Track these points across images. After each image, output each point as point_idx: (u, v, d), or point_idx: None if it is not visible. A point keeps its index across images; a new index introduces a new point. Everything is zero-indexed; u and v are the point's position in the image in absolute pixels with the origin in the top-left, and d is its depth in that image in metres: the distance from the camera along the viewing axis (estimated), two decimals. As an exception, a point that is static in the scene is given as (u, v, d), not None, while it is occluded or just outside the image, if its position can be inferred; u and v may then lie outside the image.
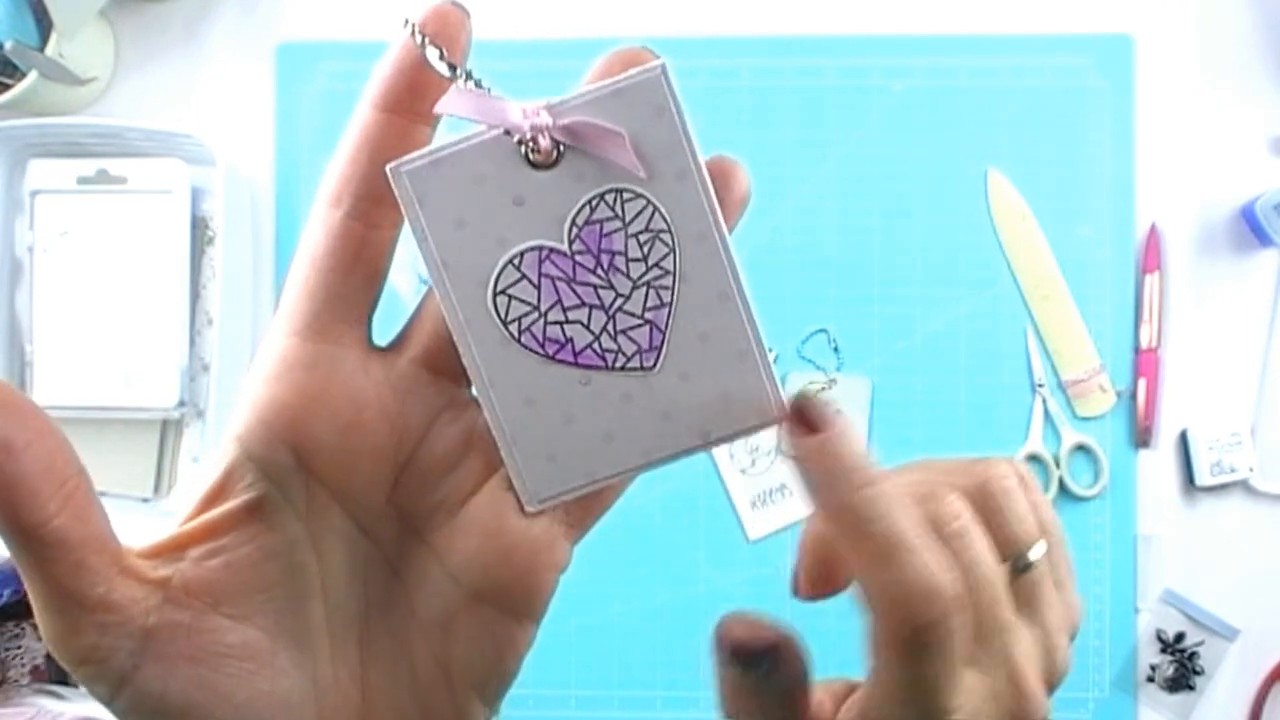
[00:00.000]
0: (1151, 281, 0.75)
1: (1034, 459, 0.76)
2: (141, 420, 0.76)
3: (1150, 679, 0.75)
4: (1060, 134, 0.77)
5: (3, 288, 0.77)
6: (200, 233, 0.77)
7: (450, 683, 0.25)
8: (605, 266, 0.23)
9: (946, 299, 0.76)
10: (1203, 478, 0.74)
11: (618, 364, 0.24)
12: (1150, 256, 0.76)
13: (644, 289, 0.23)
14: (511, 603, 0.25)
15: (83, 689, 0.73)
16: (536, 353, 0.24)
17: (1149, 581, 0.75)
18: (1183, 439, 0.76)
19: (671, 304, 0.23)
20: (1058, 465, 0.75)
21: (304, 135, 0.78)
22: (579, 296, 0.23)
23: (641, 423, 0.24)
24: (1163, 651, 0.75)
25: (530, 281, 0.23)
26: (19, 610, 0.77)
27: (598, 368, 0.24)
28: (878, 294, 0.77)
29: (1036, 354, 0.76)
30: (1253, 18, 0.77)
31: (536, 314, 0.23)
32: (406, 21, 0.23)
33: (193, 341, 0.77)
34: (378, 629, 0.25)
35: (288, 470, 0.23)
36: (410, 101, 0.23)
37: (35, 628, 0.77)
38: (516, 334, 0.23)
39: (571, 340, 0.23)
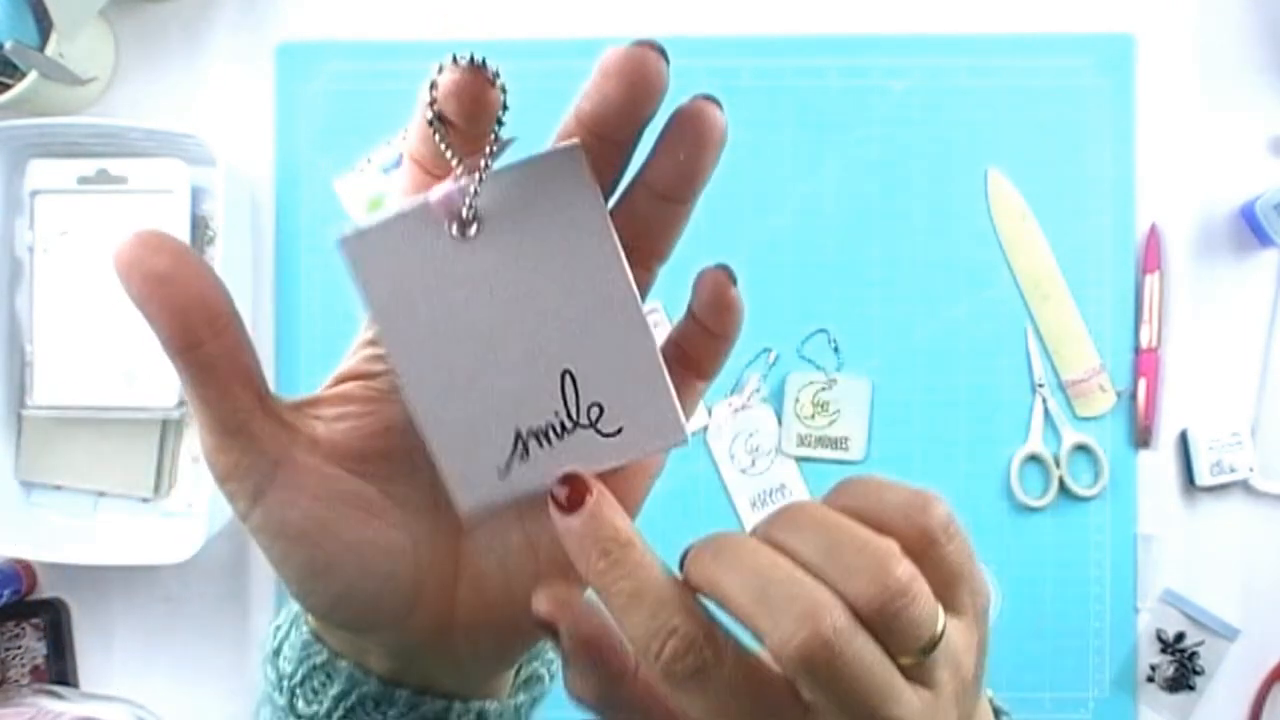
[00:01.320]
0: (1151, 281, 0.75)
1: (1034, 459, 0.76)
2: (141, 420, 0.76)
3: (1150, 679, 0.75)
4: (1060, 134, 0.77)
5: (3, 288, 0.77)
6: (200, 233, 0.77)
7: (537, 562, 0.28)
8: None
9: (946, 299, 0.76)
10: (1203, 478, 0.74)
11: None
12: (1150, 256, 0.76)
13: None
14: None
15: (83, 689, 0.73)
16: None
17: (1149, 581, 0.75)
18: (1183, 439, 0.76)
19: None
20: (1058, 465, 0.75)
21: (304, 135, 0.78)
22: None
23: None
24: (1163, 651, 0.75)
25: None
26: (19, 610, 0.77)
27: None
28: (878, 294, 0.77)
29: (1036, 354, 0.76)
30: (1252, 18, 0.77)
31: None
32: (433, 102, 0.25)
33: (193, 341, 0.76)
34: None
35: None
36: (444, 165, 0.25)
37: (35, 628, 0.77)
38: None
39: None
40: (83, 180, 0.75)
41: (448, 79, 0.24)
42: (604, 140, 0.26)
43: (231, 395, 0.24)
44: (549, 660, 0.34)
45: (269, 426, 0.25)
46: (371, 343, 0.27)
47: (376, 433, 0.27)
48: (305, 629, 0.29)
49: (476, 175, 0.25)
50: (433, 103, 0.25)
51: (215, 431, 0.25)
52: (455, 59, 0.24)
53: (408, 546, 0.27)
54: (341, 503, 0.26)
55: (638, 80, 0.25)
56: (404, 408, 0.26)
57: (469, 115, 0.24)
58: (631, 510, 0.29)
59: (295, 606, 0.30)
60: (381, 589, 0.26)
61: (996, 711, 0.31)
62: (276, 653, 0.30)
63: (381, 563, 0.26)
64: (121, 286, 0.23)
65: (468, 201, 0.25)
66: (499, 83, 0.25)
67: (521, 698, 0.32)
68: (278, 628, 0.30)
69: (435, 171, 0.26)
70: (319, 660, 0.29)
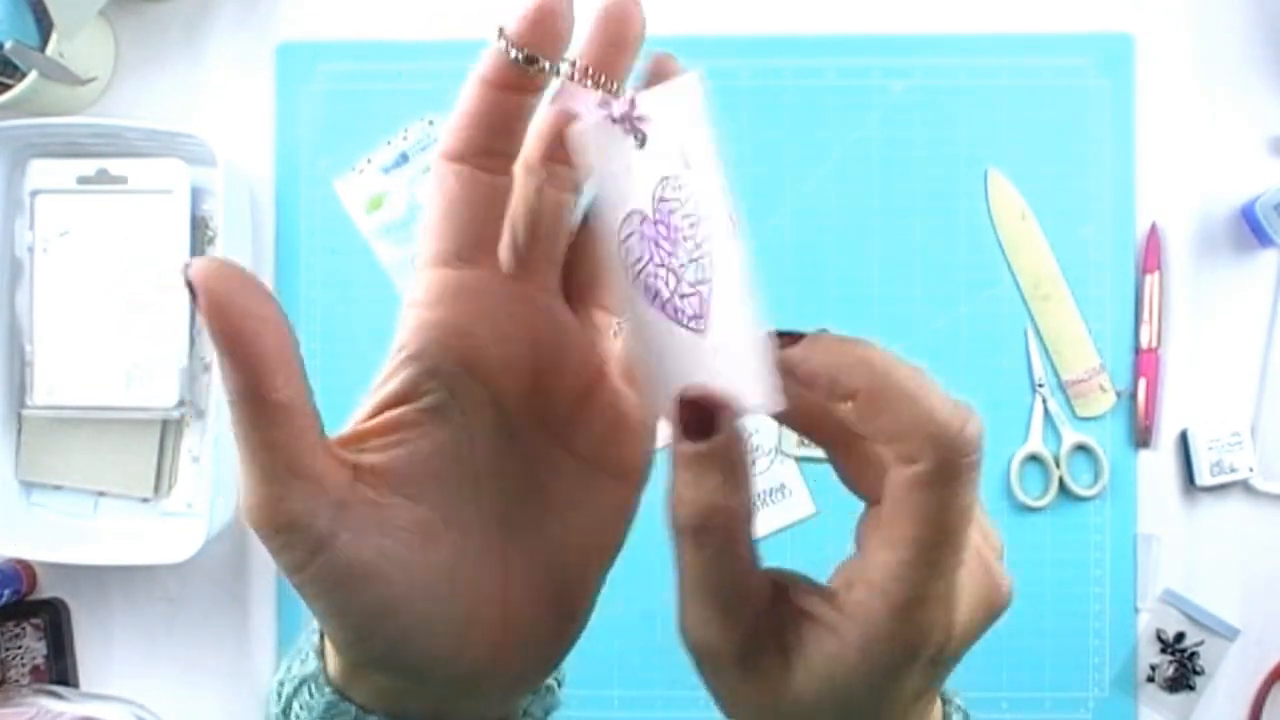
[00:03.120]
0: (1151, 281, 0.75)
1: (1034, 459, 0.76)
2: (141, 420, 0.76)
3: (1150, 679, 0.75)
4: (1060, 134, 0.77)
5: (3, 288, 0.77)
6: (200, 233, 0.77)
7: (574, 554, 0.29)
8: (671, 238, 0.27)
9: (946, 299, 0.76)
10: (1203, 478, 0.74)
11: (684, 320, 0.28)
12: (1150, 256, 0.76)
13: (694, 263, 0.27)
14: (623, 469, 0.29)
15: (83, 689, 0.73)
16: (644, 296, 0.28)
17: (1149, 581, 0.75)
18: (1183, 439, 0.76)
19: (710, 282, 0.27)
20: (1058, 465, 0.75)
21: (304, 135, 0.78)
22: (662, 259, 0.27)
23: (697, 376, 0.27)
24: (1163, 651, 0.75)
25: (638, 236, 0.27)
26: (19, 610, 0.77)
27: (675, 320, 0.28)
28: (878, 294, 0.77)
29: (1036, 354, 0.76)
30: (1252, 17, 0.77)
31: (641, 264, 0.27)
32: (500, 31, 0.26)
33: (193, 341, 0.76)
34: (516, 514, 0.28)
35: (457, 377, 0.27)
36: (515, 77, 0.26)
37: (35, 628, 0.77)
38: (633, 276, 0.28)
39: (659, 292, 0.27)
40: (83, 180, 0.75)
41: (518, 18, 0.26)
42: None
43: (304, 439, 0.24)
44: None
45: (331, 466, 0.24)
46: (411, 360, 0.27)
47: (429, 455, 0.26)
48: (328, 689, 0.28)
49: (628, 93, 0.26)
50: (515, 45, 0.26)
51: (275, 479, 0.24)
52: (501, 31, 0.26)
53: (463, 564, 0.26)
54: (404, 532, 0.25)
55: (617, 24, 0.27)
56: (453, 425, 0.27)
57: (540, 41, 0.26)
58: (642, 471, 0.30)
59: (307, 666, 0.29)
60: (447, 618, 0.26)
61: (945, 701, 0.31)
62: (285, 713, 0.29)
63: (445, 588, 0.26)
64: (204, 324, 0.23)
65: (635, 115, 0.26)
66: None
67: (537, 711, 0.32)
68: (281, 684, 0.29)
69: (519, 83, 0.27)
70: None
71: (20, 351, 0.77)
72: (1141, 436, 0.75)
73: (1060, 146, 0.77)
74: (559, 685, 0.33)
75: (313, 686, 0.28)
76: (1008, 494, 0.76)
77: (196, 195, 0.76)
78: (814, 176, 0.77)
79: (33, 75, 0.71)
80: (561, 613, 0.29)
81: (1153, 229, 0.76)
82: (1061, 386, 0.76)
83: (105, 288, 0.75)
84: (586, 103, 0.27)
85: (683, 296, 0.27)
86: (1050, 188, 0.76)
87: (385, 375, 0.27)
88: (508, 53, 0.26)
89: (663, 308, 0.27)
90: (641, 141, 0.27)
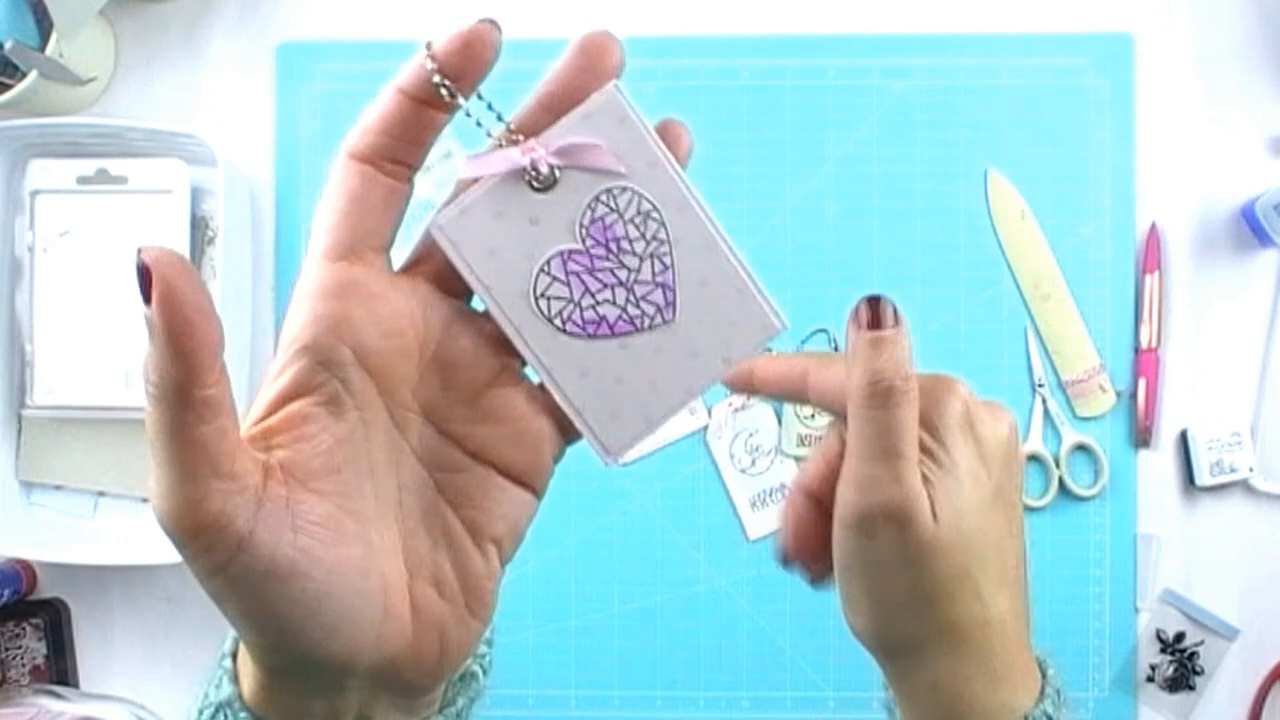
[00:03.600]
0: (1151, 281, 0.75)
1: (1034, 459, 0.76)
2: (141, 420, 0.76)
3: (1150, 679, 0.75)
4: (1060, 134, 0.77)
5: (3, 288, 0.77)
6: (200, 233, 0.77)
7: (476, 540, 0.29)
8: (615, 251, 0.29)
9: (946, 299, 0.76)
10: (1203, 478, 0.74)
11: (645, 325, 0.29)
12: (1150, 256, 0.76)
13: (649, 260, 0.29)
14: (522, 476, 0.30)
15: (83, 689, 0.73)
16: (580, 335, 0.29)
17: (1149, 581, 0.75)
18: (1183, 439, 0.76)
19: (672, 265, 0.29)
20: (1058, 465, 0.75)
21: (304, 135, 0.78)
22: (601, 280, 0.29)
23: (676, 366, 0.30)
24: (1163, 651, 0.75)
25: (560, 280, 0.29)
26: (19, 610, 0.77)
27: (630, 333, 0.29)
28: (878, 294, 0.76)
29: (1036, 354, 0.76)
30: (1252, 18, 0.77)
31: (572, 304, 0.29)
32: (428, 46, 0.27)
33: (193, 341, 0.76)
34: (411, 505, 0.29)
35: (349, 368, 0.27)
36: (431, 93, 0.27)
37: (35, 627, 0.77)
38: (561, 325, 0.29)
39: (605, 318, 0.29)
40: (83, 180, 0.75)
41: (452, 36, 0.27)
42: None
43: (228, 436, 0.24)
44: (480, 655, 0.34)
45: (249, 464, 0.25)
46: (304, 351, 0.27)
47: (331, 449, 0.27)
48: (244, 714, 0.29)
49: (542, 136, 0.28)
50: (429, 56, 0.27)
51: (196, 479, 0.24)
52: (428, 45, 0.27)
53: (369, 555, 0.27)
54: (316, 527, 0.26)
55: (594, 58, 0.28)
56: (349, 419, 0.27)
57: (461, 69, 0.27)
58: (541, 480, 0.31)
59: (222, 692, 0.29)
60: (364, 609, 0.26)
61: (1041, 665, 0.37)
62: None
63: (360, 581, 0.26)
64: (150, 312, 0.23)
65: (544, 158, 0.27)
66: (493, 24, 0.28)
67: (460, 702, 0.33)
68: (200, 712, 0.30)
69: (431, 98, 0.27)
70: None
71: (20, 351, 0.77)
72: (1141, 436, 0.75)
73: (1060, 146, 0.77)
74: (484, 673, 0.34)
75: (228, 712, 0.29)
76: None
77: (196, 195, 0.76)
78: (814, 176, 0.77)
79: (33, 75, 0.71)
80: (468, 601, 0.29)
81: (1153, 229, 0.76)
82: (1061, 386, 0.76)
83: (105, 288, 0.75)
84: (504, 157, 0.28)
85: (638, 301, 0.29)
86: (1050, 188, 0.76)
87: (279, 368, 0.27)
88: (428, 70, 0.27)
89: (610, 330, 0.29)
90: (548, 183, 0.28)
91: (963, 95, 0.77)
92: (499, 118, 0.28)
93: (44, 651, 0.77)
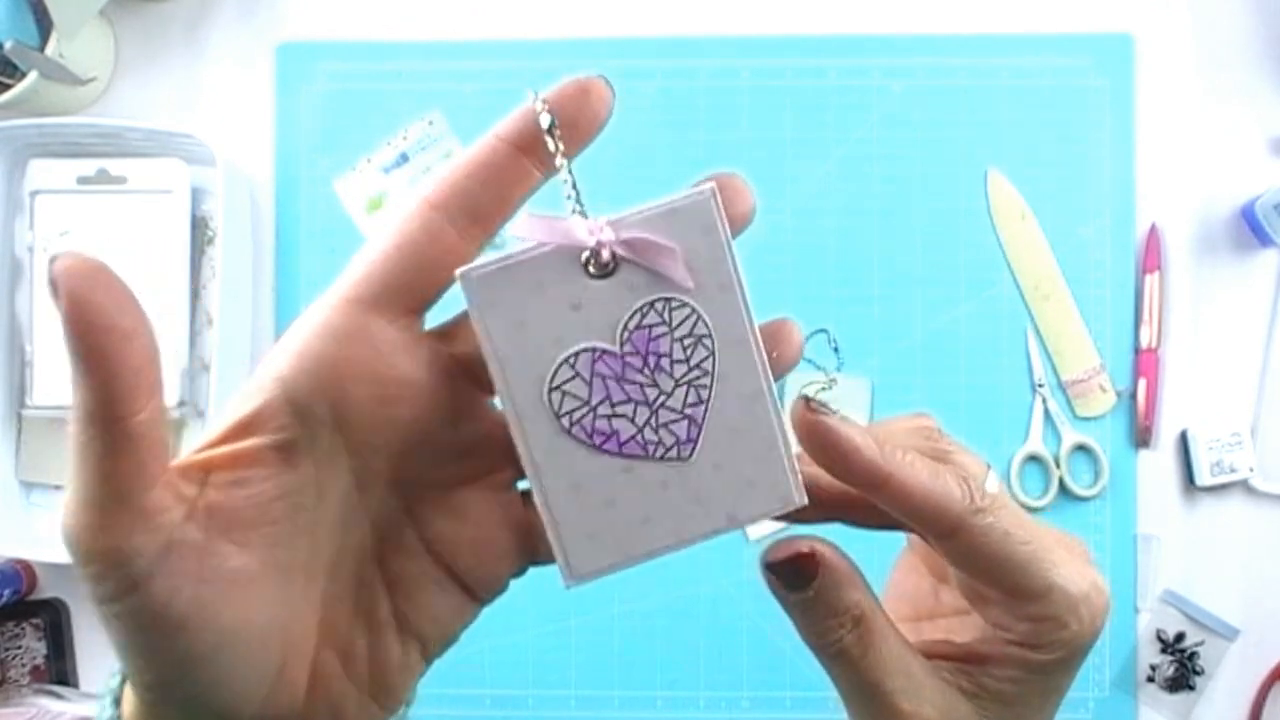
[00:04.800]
0: (1151, 281, 0.75)
1: (1034, 459, 0.76)
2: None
3: (1150, 679, 0.75)
4: (1060, 134, 0.77)
5: (3, 288, 0.77)
6: (200, 233, 0.77)
7: (401, 631, 0.27)
8: (651, 367, 0.26)
9: (946, 299, 0.76)
10: (1203, 478, 0.74)
11: (657, 454, 0.26)
12: (1150, 256, 0.76)
13: (685, 387, 0.26)
14: (471, 583, 0.28)
15: (83, 689, 0.73)
16: (585, 443, 0.26)
17: (1149, 581, 0.75)
18: (1183, 439, 0.76)
19: (708, 401, 0.26)
20: (1058, 465, 0.75)
21: (304, 135, 0.78)
22: (626, 393, 0.26)
23: (676, 507, 0.27)
24: (1163, 651, 0.75)
25: (583, 379, 0.26)
26: (19, 610, 0.77)
27: (639, 457, 0.26)
28: (878, 294, 0.77)
29: (1036, 354, 0.76)
30: (1252, 18, 0.77)
31: (587, 408, 0.26)
32: (535, 94, 0.25)
33: (193, 341, 0.77)
34: (345, 574, 0.27)
35: (320, 421, 0.25)
36: (533, 144, 0.25)
37: (35, 628, 0.77)
38: (568, 426, 0.26)
39: (617, 433, 0.26)
40: (83, 180, 0.75)
41: (562, 88, 0.25)
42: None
43: (145, 470, 0.22)
44: (398, 714, 0.31)
45: (166, 501, 0.23)
46: (279, 383, 0.24)
47: (270, 501, 0.24)
48: None
49: (617, 216, 0.25)
50: (550, 123, 0.25)
51: (103, 507, 0.22)
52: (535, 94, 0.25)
53: (280, 619, 0.25)
54: (226, 583, 0.23)
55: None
56: (302, 473, 0.25)
57: (574, 119, 0.25)
58: (490, 593, 0.28)
59: (104, 715, 0.27)
60: (256, 670, 0.24)
61: None
62: None
63: (257, 643, 0.24)
64: (64, 329, 0.20)
65: (614, 239, 0.25)
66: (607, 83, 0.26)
67: None
68: None
69: (536, 149, 0.25)
70: None
71: (20, 351, 0.77)
72: (1141, 436, 0.75)
73: (1060, 146, 0.77)
74: (407, 705, 0.31)
75: None
76: (1007, 494, 0.76)
77: (196, 195, 0.76)
78: (814, 176, 0.77)
79: (33, 75, 0.71)
80: (373, 689, 0.27)
81: (1153, 229, 0.76)
82: (1061, 386, 0.76)
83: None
84: (567, 229, 0.25)
85: (659, 427, 0.26)
86: (1050, 188, 0.76)
87: (248, 391, 0.25)
88: (536, 115, 0.25)
89: (619, 448, 0.26)
90: (606, 270, 0.25)
91: (963, 95, 0.77)
92: (574, 187, 0.25)
93: (44, 651, 0.77)
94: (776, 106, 0.77)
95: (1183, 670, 0.75)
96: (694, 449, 0.26)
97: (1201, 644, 0.75)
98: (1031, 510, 0.75)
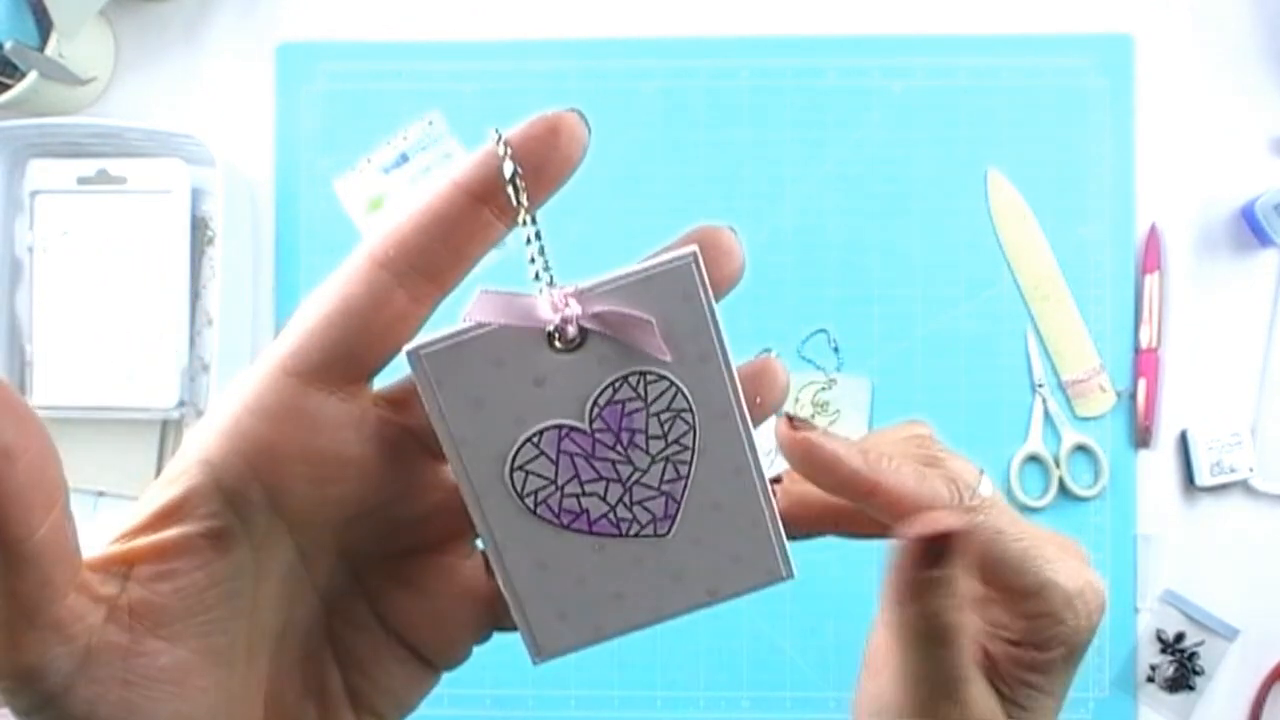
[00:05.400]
0: (1151, 281, 0.75)
1: (1034, 459, 0.76)
2: (141, 420, 0.76)
3: (1150, 679, 0.75)
4: (1060, 134, 0.77)
5: (3, 288, 0.77)
6: (200, 233, 0.77)
7: (355, 707, 0.26)
8: (625, 443, 0.24)
9: (946, 299, 0.76)
10: (1203, 478, 0.74)
11: (631, 531, 0.25)
12: (1150, 256, 0.76)
13: (662, 463, 0.24)
14: (429, 655, 0.26)
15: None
16: (551, 523, 0.24)
17: (1149, 581, 0.75)
18: (1183, 439, 0.76)
19: (688, 477, 0.24)
20: (1058, 465, 0.75)
21: (304, 135, 0.78)
22: (596, 471, 0.24)
23: (652, 583, 0.25)
24: (1163, 651, 0.75)
25: (548, 458, 0.24)
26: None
27: (612, 535, 0.25)
28: (878, 294, 0.77)
29: (1036, 354, 0.76)
30: (1253, 18, 0.77)
31: (553, 487, 0.24)
32: (498, 136, 0.22)
33: (193, 341, 0.77)
34: (292, 649, 0.25)
35: (255, 506, 0.23)
36: (494, 192, 0.22)
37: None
38: (532, 506, 0.24)
39: (587, 511, 0.24)
40: (83, 180, 0.75)
41: (528, 123, 0.22)
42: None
43: (50, 585, 0.20)
44: None
45: (81, 608, 0.21)
46: (205, 466, 0.22)
47: (201, 591, 0.22)
48: None
49: (585, 285, 0.22)
50: (501, 145, 0.22)
51: (10, 627, 0.20)
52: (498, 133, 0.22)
53: (222, 708, 0.23)
54: (156, 682, 0.22)
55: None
56: (236, 558, 0.23)
57: (542, 160, 0.22)
58: (449, 664, 0.27)
59: None
60: None
61: None
62: None
63: None
64: None
65: (581, 313, 0.22)
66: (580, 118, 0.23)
67: None
68: None
69: (496, 200, 0.23)
70: None
71: (20, 351, 0.77)
72: (1141, 436, 0.75)
73: (1060, 146, 0.77)
74: None
75: None
76: (1007, 494, 0.76)
77: (196, 195, 0.76)
78: (814, 176, 0.77)
79: (33, 75, 0.71)
80: None
81: (1153, 229, 0.76)
82: (1061, 386, 0.76)
83: (105, 288, 0.75)
84: (527, 309, 0.22)
85: (633, 505, 0.24)
86: (1050, 188, 0.76)
87: (174, 473, 0.23)
88: (497, 160, 0.22)
89: (588, 526, 0.24)
90: (572, 344, 0.23)
91: (963, 95, 0.77)
92: (540, 250, 0.23)
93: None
94: (776, 106, 0.77)
95: (1183, 670, 0.75)
96: (671, 525, 0.25)
97: (1201, 644, 0.75)
98: (1031, 511, 0.75)
